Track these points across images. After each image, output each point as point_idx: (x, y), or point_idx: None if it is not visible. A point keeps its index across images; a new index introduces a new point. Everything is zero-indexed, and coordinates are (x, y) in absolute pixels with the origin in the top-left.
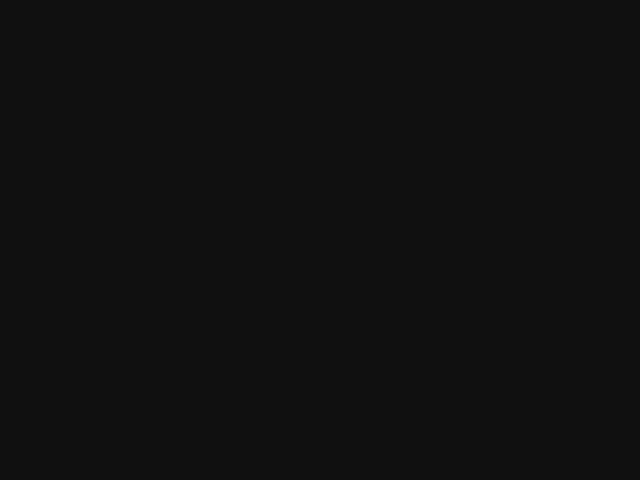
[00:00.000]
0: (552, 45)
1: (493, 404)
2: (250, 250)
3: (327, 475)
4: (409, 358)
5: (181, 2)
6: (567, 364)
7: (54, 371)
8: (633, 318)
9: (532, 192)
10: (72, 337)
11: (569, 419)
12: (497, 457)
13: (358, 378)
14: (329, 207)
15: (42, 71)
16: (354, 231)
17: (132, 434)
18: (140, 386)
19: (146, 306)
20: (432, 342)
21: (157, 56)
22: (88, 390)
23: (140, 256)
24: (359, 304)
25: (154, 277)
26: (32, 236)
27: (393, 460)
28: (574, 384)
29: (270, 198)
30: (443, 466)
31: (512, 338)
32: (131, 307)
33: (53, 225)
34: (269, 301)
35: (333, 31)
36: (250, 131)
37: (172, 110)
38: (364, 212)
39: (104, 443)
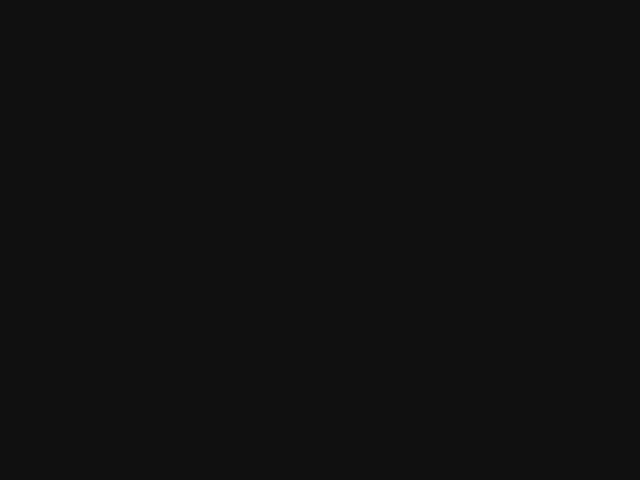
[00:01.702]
0: (552, 45)
1: (493, 404)
2: (250, 250)
3: (327, 475)
4: (409, 358)
5: (181, 2)
6: (567, 364)
7: (54, 371)
8: (633, 318)
9: (532, 192)
10: (72, 337)
11: (569, 419)
12: (497, 457)
13: (358, 378)
14: (329, 207)
15: (42, 71)
16: (354, 231)
17: (132, 434)
18: (140, 386)
19: (146, 306)
20: (432, 342)
21: (157, 56)
22: (88, 390)
23: (140, 256)
24: (359, 304)
25: (154, 277)
26: (32, 236)
27: (393, 460)
28: (574, 384)
29: (270, 198)
30: (443, 466)
31: (512, 338)
32: (131, 307)
33: (53, 225)
34: (269, 301)
35: (333, 31)
36: (250, 131)
37: (172, 110)
38: (364, 212)
39: (104, 443)
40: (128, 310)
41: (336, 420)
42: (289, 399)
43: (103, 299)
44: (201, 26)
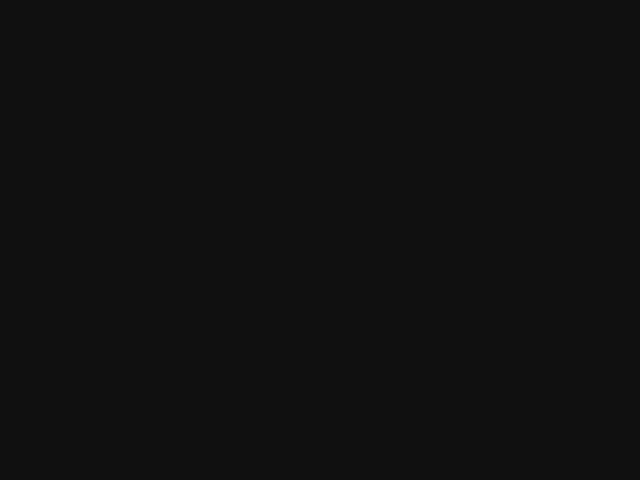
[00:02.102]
0: (552, 45)
1: (493, 404)
2: (250, 250)
3: (327, 475)
4: (409, 358)
5: (181, 2)
6: (567, 364)
7: (54, 371)
8: (633, 318)
9: (532, 192)
10: (72, 337)
11: (569, 419)
12: (497, 457)
13: (358, 378)
14: (329, 207)
15: (42, 71)
16: (354, 231)
17: (132, 434)
18: (140, 386)
19: (146, 306)
20: (432, 342)
21: (157, 56)
22: (88, 390)
23: (140, 256)
24: (359, 304)
25: (154, 277)
26: (32, 236)
27: (393, 460)
28: (574, 384)
29: (270, 198)
30: (443, 466)
31: (512, 338)
32: (131, 307)
33: (53, 225)
34: (269, 301)
35: (333, 31)
36: (250, 131)
37: (172, 110)
38: (364, 212)
39: (104, 443)
40: (128, 310)
41: (336, 420)
42: (289, 399)
43: (103, 299)
44: (201, 26)
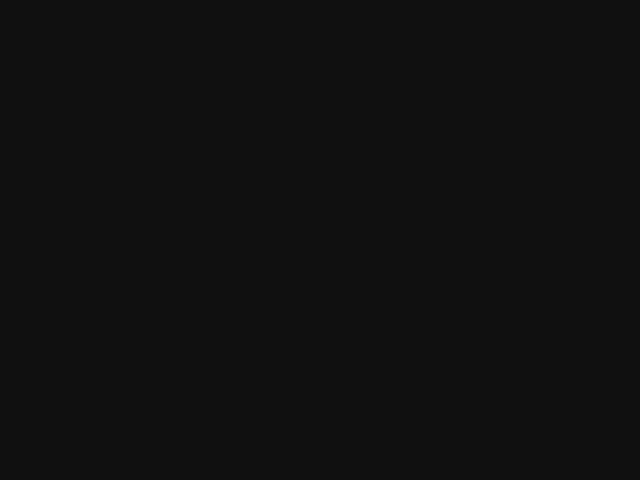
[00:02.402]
0: (552, 45)
1: (493, 404)
2: (250, 250)
3: (327, 475)
4: (409, 358)
5: (181, 2)
6: (567, 364)
7: (54, 371)
8: (633, 318)
9: (532, 192)
10: (72, 337)
11: (569, 419)
12: (497, 457)
13: (358, 378)
14: (329, 207)
15: (42, 71)
16: (354, 231)
17: (132, 434)
18: (140, 386)
19: (146, 306)
20: (432, 342)
21: (157, 56)
22: (88, 390)
23: (140, 256)
24: (359, 304)
25: (154, 277)
26: (32, 236)
27: (393, 460)
28: (574, 384)
29: (270, 198)
30: (443, 466)
31: (512, 338)
32: (131, 307)
33: (53, 225)
34: (269, 301)
35: (333, 31)
36: (250, 131)
37: (172, 110)
38: (364, 212)
39: (104, 443)
40: (128, 310)
41: (336, 420)
42: (289, 399)
43: (103, 299)
44: (201, 26)
